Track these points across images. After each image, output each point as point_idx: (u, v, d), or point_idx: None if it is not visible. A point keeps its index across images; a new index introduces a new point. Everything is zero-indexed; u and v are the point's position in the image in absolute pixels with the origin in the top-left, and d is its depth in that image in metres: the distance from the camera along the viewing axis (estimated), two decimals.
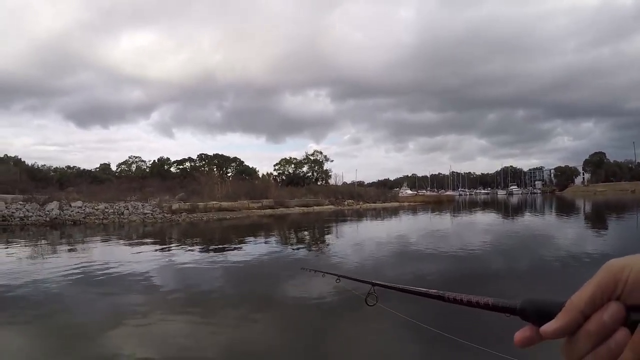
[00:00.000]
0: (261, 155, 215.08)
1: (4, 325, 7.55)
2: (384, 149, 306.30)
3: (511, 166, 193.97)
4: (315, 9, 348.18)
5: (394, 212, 47.79)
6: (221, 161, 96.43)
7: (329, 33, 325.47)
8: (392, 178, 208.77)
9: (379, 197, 73.06)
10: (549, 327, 0.58)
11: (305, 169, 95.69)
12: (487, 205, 64.86)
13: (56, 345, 6.52)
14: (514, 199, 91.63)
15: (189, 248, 18.18)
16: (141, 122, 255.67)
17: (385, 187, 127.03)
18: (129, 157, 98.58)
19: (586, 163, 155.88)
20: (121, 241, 21.41)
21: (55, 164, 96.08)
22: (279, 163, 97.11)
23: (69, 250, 18.10)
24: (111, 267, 12.85)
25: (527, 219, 33.27)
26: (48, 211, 33.28)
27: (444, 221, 34.04)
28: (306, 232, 26.03)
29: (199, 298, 9.22)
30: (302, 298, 8.75)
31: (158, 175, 78.81)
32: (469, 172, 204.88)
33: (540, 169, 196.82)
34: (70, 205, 35.33)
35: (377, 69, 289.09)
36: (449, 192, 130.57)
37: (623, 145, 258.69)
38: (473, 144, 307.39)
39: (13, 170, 54.30)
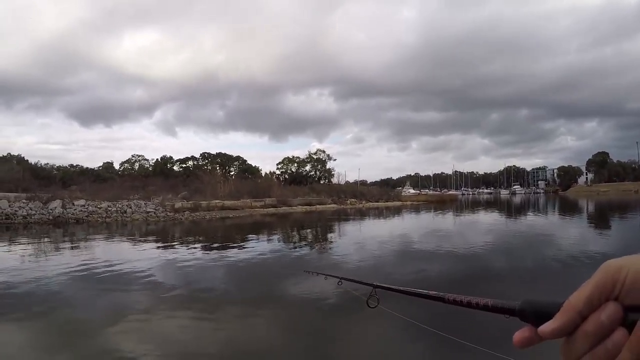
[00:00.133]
0: (264, 154, 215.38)
1: (7, 322, 7.58)
2: (386, 148, 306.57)
3: (514, 166, 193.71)
4: (318, 9, 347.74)
5: (396, 211, 47.79)
6: (224, 160, 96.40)
7: (331, 33, 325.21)
8: (394, 177, 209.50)
9: (382, 196, 73.12)
10: (546, 327, 0.58)
11: (308, 167, 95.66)
12: (490, 204, 64.80)
13: (59, 341, 6.54)
14: (517, 199, 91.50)
15: (192, 246, 18.19)
16: (144, 121, 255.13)
17: (388, 186, 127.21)
18: (132, 156, 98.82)
19: (589, 163, 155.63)
20: (124, 239, 21.47)
21: (58, 162, 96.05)
22: (282, 162, 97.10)
23: (72, 249, 18.15)
24: (114, 265, 12.88)
25: (530, 219, 33.23)
26: (51, 209, 33.34)
27: (446, 221, 34.03)
28: (309, 232, 26.02)
29: (201, 296, 9.24)
30: (304, 299, 8.75)
31: (161, 174, 78.79)
32: (472, 172, 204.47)
33: (544, 168, 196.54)
34: (73, 204, 35.38)
35: (380, 69, 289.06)
36: (452, 192, 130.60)
37: (626, 145, 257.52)
38: (476, 143, 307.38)
39: (16, 169, 54.36)
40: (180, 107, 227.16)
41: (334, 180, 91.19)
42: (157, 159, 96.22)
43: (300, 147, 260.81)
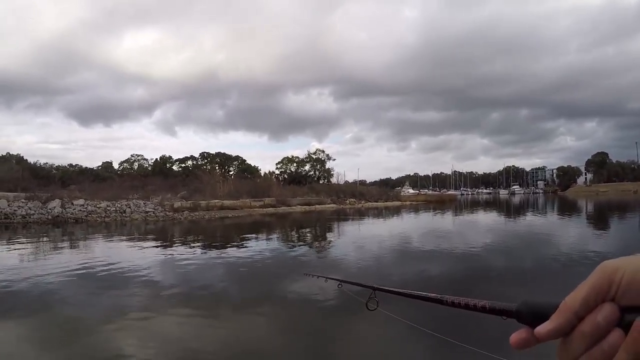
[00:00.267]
0: (263, 154, 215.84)
1: (6, 321, 7.59)
2: (386, 148, 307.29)
3: (513, 166, 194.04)
4: (318, 9, 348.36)
5: (395, 211, 47.80)
6: (223, 160, 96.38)
7: (332, 32, 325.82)
8: (394, 177, 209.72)
9: (381, 196, 73.07)
10: (542, 328, 0.58)
11: (307, 167, 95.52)
12: (489, 204, 64.86)
13: (58, 339, 6.54)
14: (516, 199, 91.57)
15: (191, 246, 18.18)
16: (144, 120, 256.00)
17: (387, 186, 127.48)
18: (132, 156, 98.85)
19: (589, 163, 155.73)
20: (123, 239, 21.45)
21: (57, 162, 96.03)
22: (281, 162, 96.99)
23: (71, 248, 18.16)
24: (113, 265, 12.88)
25: (529, 219, 33.24)
26: (50, 209, 33.33)
27: (445, 221, 34.05)
28: (308, 232, 26.02)
29: (200, 296, 9.23)
30: (303, 300, 8.76)
31: (160, 174, 78.75)
32: (471, 172, 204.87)
33: (543, 168, 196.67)
34: (72, 204, 35.37)
35: (381, 69, 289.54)
36: (451, 192, 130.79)
37: (626, 146, 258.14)
38: (476, 143, 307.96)
39: (15, 169, 54.39)
40: (180, 107, 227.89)
41: (333, 180, 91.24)
42: (157, 159, 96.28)
43: (299, 146, 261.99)
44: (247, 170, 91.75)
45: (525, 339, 0.61)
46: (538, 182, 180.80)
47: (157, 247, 18.27)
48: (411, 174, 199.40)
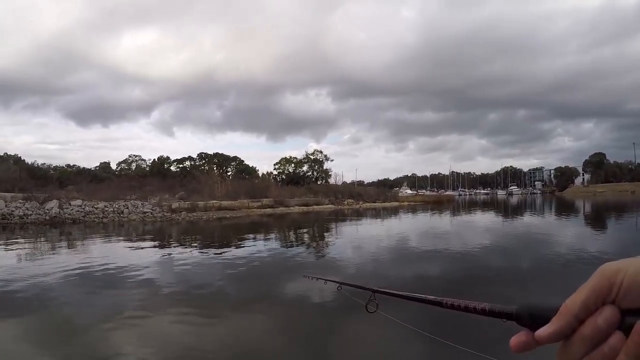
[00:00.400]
0: (261, 155, 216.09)
1: (4, 320, 7.57)
2: (384, 148, 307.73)
3: (511, 166, 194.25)
4: (318, 9, 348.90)
5: (393, 211, 47.80)
6: (221, 160, 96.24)
7: (331, 33, 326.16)
8: (392, 178, 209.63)
9: (379, 196, 73.09)
10: (543, 331, 0.58)
11: (305, 168, 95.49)
12: (487, 205, 64.88)
13: (56, 340, 6.53)
14: (514, 199, 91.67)
15: (189, 247, 18.16)
16: (141, 120, 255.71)
17: (385, 187, 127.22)
18: (129, 156, 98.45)
19: (586, 164, 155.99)
20: (121, 240, 21.42)
21: (55, 162, 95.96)
22: (279, 162, 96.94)
23: (69, 249, 18.12)
24: (110, 265, 12.86)
25: (527, 220, 33.26)
26: (48, 210, 33.30)
27: (444, 221, 34.05)
28: (306, 232, 26.00)
29: (198, 297, 9.21)
30: (302, 302, 8.72)
31: (158, 174, 78.64)
32: (469, 172, 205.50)
33: (540, 169, 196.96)
34: (70, 204, 35.35)
35: (379, 69, 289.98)
36: (449, 192, 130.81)
37: (623, 146, 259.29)
38: (473, 144, 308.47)
39: (13, 169, 54.16)
40: (178, 107, 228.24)
41: (331, 180, 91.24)
42: (154, 159, 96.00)
43: (297, 147, 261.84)
44: (245, 171, 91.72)
45: (525, 342, 0.61)
46: (536, 183, 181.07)
47: (155, 247, 18.25)
48: (409, 175, 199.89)
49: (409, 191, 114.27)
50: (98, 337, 6.61)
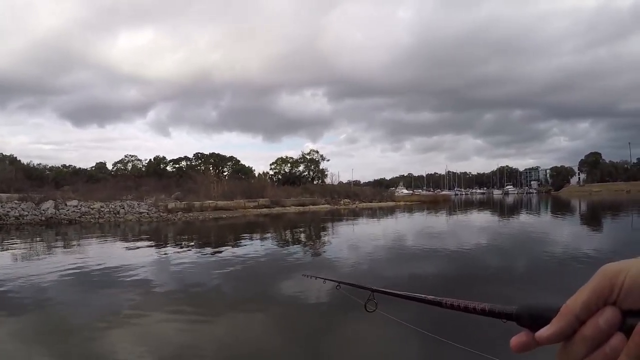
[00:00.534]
0: (257, 155, 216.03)
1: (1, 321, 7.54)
2: (380, 148, 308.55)
3: (507, 166, 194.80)
4: (315, 9, 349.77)
5: (390, 211, 47.80)
6: (217, 160, 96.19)
7: (327, 33, 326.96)
8: (388, 177, 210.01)
9: (375, 196, 73.18)
10: (543, 332, 0.58)
11: (301, 168, 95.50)
12: (483, 205, 64.95)
13: (52, 341, 6.50)
14: (510, 199, 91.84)
15: (185, 247, 18.11)
16: (138, 121, 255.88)
17: (382, 187, 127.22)
18: (125, 156, 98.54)
19: (582, 163, 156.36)
20: (117, 240, 21.37)
21: (51, 162, 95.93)
22: (275, 162, 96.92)
23: (65, 250, 18.05)
24: (106, 266, 12.82)
25: (523, 219, 33.29)
26: (43, 210, 33.19)
27: (440, 221, 34.05)
28: (303, 232, 25.98)
29: (195, 297, 9.19)
30: (301, 302, 8.71)
31: (154, 174, 78.56)
32: (465, 172, 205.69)
33: (536, 169, 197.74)
34: (66, 204, 35.25)
35: (376, 69, 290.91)
36: (445, 192, 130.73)
37: (619, 146, 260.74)
38: (469, 143, 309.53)
39: (8, 169, 53.95)
40: (174, 107, 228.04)
41: (328, 180, 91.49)
42: (150, 159, 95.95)
43: (293, 147, 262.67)
44: (241, 171, 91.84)
45: (525, 342, 0.61)
46: (531, 182, 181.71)
47: (151, 248, 18.19)
48: (405, 175, 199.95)
49: (405, 191, 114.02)
50: (94, 337, 6.58)
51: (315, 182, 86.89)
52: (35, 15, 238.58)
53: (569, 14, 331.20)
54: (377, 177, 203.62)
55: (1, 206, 32.31)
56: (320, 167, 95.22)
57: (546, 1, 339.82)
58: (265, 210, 45.47)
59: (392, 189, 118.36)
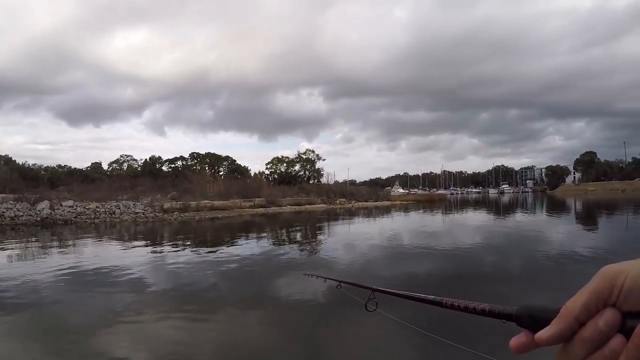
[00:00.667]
0: (253, 154, 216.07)
1: None
2: (376, 147, 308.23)
3: (502, 165, 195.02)
4: (311, 9, 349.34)
5: (386, 210, 47.85)
6: (213, 160, 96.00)
7: (323, 33, 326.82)
8: (384, 177, 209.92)
9: (371, 195, 73.32)
10: (543, 333, 0.58)
11: (297, 167, 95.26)
12: (479, 204, 65.13)
13: (49, 342, 6.48)
14: (505, 198, 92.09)
15: (181, 247, 18.05)
16: (133, 120, 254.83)
17: (377, 186, 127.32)
18: (121, 156, 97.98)
19: (577, 162, 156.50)
20: (113, 241, 21.32)
21: (46, 162, 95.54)
22: (271, 162, 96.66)
23: (60, 250, 17.99)
24: (102, 267, 12.80)
25: (519, 218, 33.37)
26: (39, 211, 33.08)
27: (437, 220, 34.10)
28: (299, 232, 25.98)
29: (192, 298, 9.17)
30: (301, 301, 8.70)
31: (150, 174, 78.29)
32: (461, 171, 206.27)
33: (532, 168, 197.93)
34: (61, 205, 35.14)
35: (372, 69, 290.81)
36: (441, 191, 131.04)
37: (614, 145, 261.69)
38: (465, 143, 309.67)
39: (4, 170, 53.84)
40: (169, 107, 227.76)
41: (323, 180, 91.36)
42: (146, 159, 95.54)
43: (289, 147, 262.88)
44: (237, 171, 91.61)
45: (525, 343, 0.61)
46: (527, 182, 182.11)
47: (147, 248, 18.15)
48: (401, 174, 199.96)
49: (401, 190, 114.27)
50: (90, 337, 6.57)
51: (311, 182, 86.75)
52: (31, 14, 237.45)
53: (565, 14, 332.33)
54: (373, 177, 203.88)
55: None
56: (316, 167, 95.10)
57: (542, 1, 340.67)
58: (261, 210, 45.47)
59: (387, 188, 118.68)
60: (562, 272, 10.73)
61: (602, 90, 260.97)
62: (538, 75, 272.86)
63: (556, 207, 49.31)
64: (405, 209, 51.21)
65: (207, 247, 18.20)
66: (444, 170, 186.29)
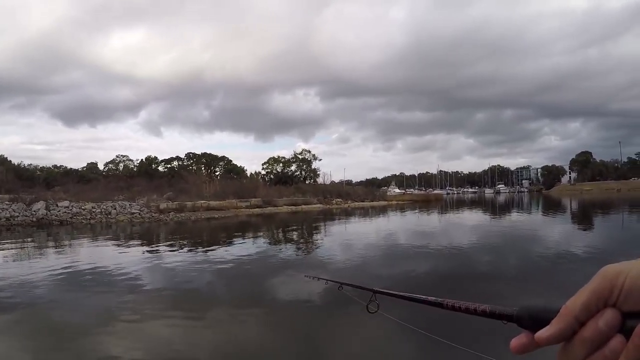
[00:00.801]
0: (249, 154, 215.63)
1: None
2: (372, 148, 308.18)
3: (498, 165, 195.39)
4: (307, 9, 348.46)
5: (382, 211, 47.90)
6: (209, 160, 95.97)
7: (320, 33, 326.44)
8: (380, 177, 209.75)
9: (367, 196, 73.46)
10: (543, 333, 0.58)
11: (293, 168, 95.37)
12: (475, 204, 65.21)
13: (45, 343, 6.46)
14: (501, 198, 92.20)
15: (178, 248, 18.03)
16: (129, 120, 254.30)
17: (373, 186, 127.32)
18: (117, 156, 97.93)
19: (573, 162, 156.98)
20: (109, 241, 21.27)
21: (42, 163, 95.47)
22: (267, 162, 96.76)
23: (56, 251, 17.96)
24: (98, 267, 12.76)
25: (516, 218, 33.42)
26: (34, 211, 32.98)
27: (434, 220, 34.14)
28: (297, 232, 25.96)
29: (190, 298, 9.15)
30: (301, 302, 8.68)
31: (146, 175, 78.20)
32: (457, 171, 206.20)
33: (527, 168, 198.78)
34: (57, 205, 35.05)
35: (368, 69, 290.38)
36: (437, 191, 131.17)
37: (609, 145, 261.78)
38: (461, 143, 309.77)
39: None
40: (165, 107, 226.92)
41: (320, 180, 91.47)
42: (142, 160, 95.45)
43: (285, 147, 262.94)
44: (233, 171, 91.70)
45: (525, 344, 0.61)
46: (523, 181, 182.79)
47: (143, 249, 18.13)
48: (397, 174, 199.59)
49: (397, 190, 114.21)
50: (87, 339, 6.54)
51: (307, 182, 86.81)
52: (27, 14, 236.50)
53: (560, 15, 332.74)
54: (369, 177, 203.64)
55: None
56: (313, 167, 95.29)
57: (537, 2, 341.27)
58: (257, 210, 45.43)
59: (384, 188, 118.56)
60: (562, 272, 10.75)
61: (598, 91, 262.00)
62: (534, 76, 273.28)
63: (552, 207, 49.42)
64: (402, 209, 51.24)
65: (204, 248, 18.13)
66: (440, 170, 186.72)
